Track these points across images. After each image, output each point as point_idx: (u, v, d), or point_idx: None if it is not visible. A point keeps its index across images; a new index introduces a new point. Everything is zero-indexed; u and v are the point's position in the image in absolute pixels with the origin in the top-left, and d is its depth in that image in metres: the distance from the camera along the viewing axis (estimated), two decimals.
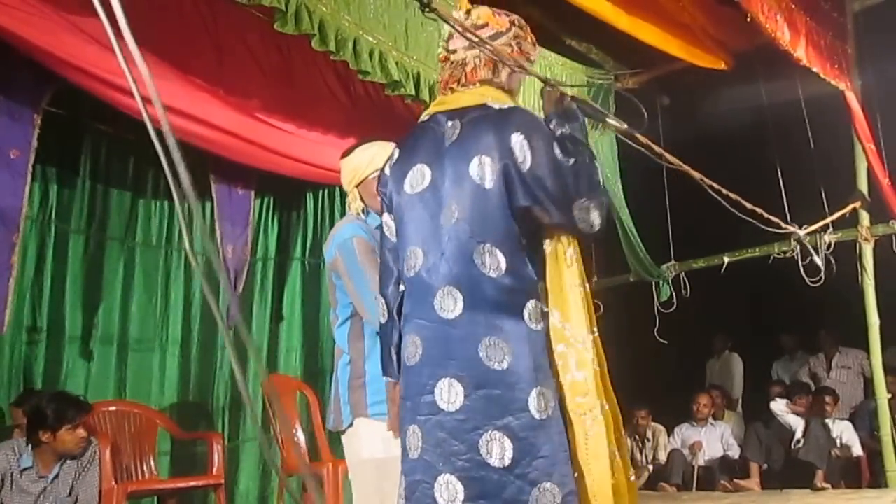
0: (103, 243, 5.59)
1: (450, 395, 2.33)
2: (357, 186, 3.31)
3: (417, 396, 2.41)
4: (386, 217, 2.66)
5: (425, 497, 2.34)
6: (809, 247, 6.91)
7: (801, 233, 6.83)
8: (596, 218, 2.37)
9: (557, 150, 2.37)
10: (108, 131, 5.24)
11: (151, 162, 5.84)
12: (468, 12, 2.68)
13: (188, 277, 6.04)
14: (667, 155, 4.17)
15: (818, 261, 6.89)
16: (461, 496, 2.27)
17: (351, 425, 3.22)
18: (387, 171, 2.66)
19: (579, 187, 2.34)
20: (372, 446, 3.15)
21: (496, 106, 2.50)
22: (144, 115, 1.26)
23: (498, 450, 2.25)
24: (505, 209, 2.38)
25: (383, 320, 2.67)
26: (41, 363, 5.19)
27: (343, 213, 6.78)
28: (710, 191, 4.94)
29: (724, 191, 5.07)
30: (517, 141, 2.37)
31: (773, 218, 6.13)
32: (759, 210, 5.79)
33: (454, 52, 2.63)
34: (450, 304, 2.38)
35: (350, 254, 3.15)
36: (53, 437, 4.50)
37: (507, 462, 2.25)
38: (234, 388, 6.22)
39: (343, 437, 3.30)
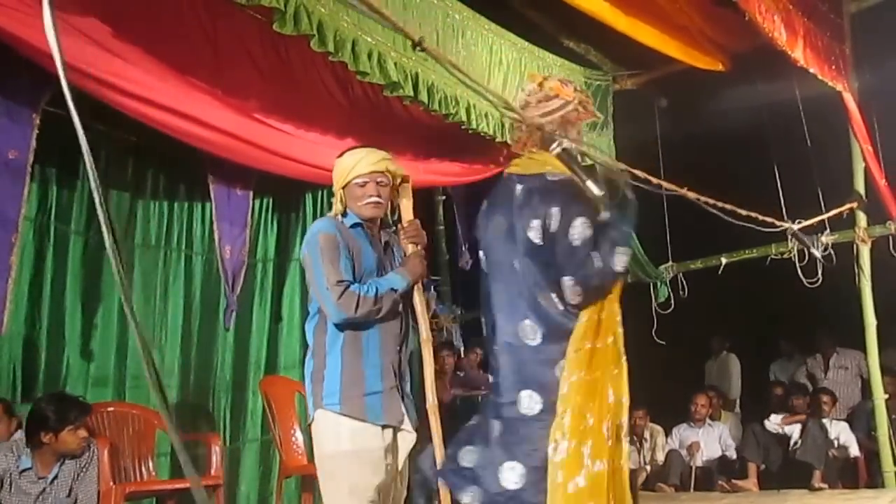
0: (102, 244, 5.55)
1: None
2: (343, 188, 3.39)
3: None
4: (480, 253, 3.32)
5: None
6: (805, 240, 6.94)
7: (795, 227, 6.84)
8: (572, 296, 2.96)
9: (573, 230, 2.91)
10: (108, 132, 5.22)
11: (151, 163, 5.84)
12: (540, 85, 3.25)
13: (188, 278, 6.03)
14: (664, 184, 4.21)
15: (816, 252, 6.91)
16: None
17: (314, 419, 3.29)
18: (479, 218, 3.35)
19: (567, 266, 2.94)
20: (329, 440, 3.22)
21: (551, 178, 3.06)
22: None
23: None
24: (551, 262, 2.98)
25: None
26: (40, 364, 5.17)
27: None
28: (706, 206, 4.99)
29: (720, 203, 5.09)
30: (554, 212, 2.95)
31: (767, 219, 6.12)
32: (754, 215, 5.79)
33: (532, 118, 3.22)
34: (530, 333, 3.00)
35: (313, 248, 3.27)
36: (55, 438, 4.48)
37: None
38: (235, 390, 6.24)
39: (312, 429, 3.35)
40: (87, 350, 5.46)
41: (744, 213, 5.56)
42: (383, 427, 3.23)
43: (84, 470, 4.66)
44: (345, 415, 3.20)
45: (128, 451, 5.33)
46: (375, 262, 3.37)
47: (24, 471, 4.49)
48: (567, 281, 2.93)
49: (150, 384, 1.34)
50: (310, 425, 3.33)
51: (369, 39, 4.62)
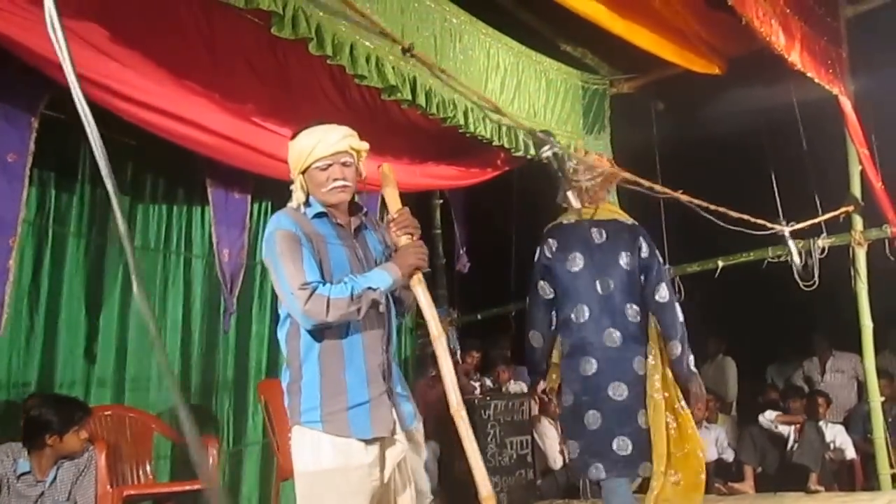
0: (102, 247, 5.60)
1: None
2: (302, 174, 3.13)
3: None
4: (542, 283, 4.70)
5: None
6: (793, 246, 6.95)
7: (787, 230, 6.88)
8: (664, 297, 4.67)
9: (657, 252, 4.75)
10: (107, 135, 5.23)
11: (150, 166, 5.87)
12: (586, 153, 4.15)
13: (187, 282, 6.07)
14: (656, 186, 4.31)
15: (796, 259, 6.93)
16: None
17: (291, 435, 3.02)
18: (548, 254, 4.60)
19: (664, 275, 4.74)
20: (304, 458, 2.95)
21: (625, 221, 4.72)
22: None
23: None
24: (638, 281, 4.63)
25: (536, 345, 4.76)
26: (38, 367, 5.19)
27: None
28: (698, 209, 5.18)
29: (712, 206, 5.17)
30: (644, 244, 4.65)
31: (758, 221, 6.13)
32: (745, 217, 5.81)
33: (580, 181, 4.42)
34: (616, 338, 4.50)
35: (271, 248, 2.98)
36: (60, 440, 4.53)
37: None
38: (237, 393, 6.27)
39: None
40: (87, 353, 5.49)
41: (735, 215, 5.58)
42: (370, 441, 2.94)
43: (83, 473, 4.68)
44: (327, 432, 2.92)
45: (125, 454, 5.35)
46: (346, 255, 3.06)
47: (22, 475, 4.51)
48: (665, 286, 4.64)
49: (171, 387, 1.35)
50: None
51: (367, 43, 4.62)
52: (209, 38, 4.69)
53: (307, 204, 3.13)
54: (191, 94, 4.72)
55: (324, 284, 2.89)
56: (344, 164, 3.07)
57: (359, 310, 2.89)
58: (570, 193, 3.09)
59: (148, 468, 5.44)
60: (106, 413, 5.35)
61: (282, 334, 3.05)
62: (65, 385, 5.28)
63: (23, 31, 3.89)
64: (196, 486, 5.28)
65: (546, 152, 3.07)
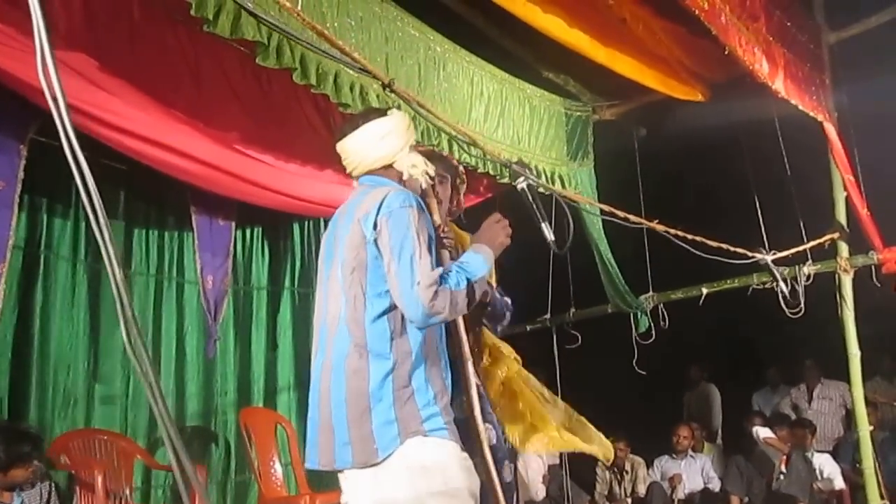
0: (97, 272, 5.75)
1: None
2: (403, 151, 2.98)
3: None
4: None
5: None
6: (777, 273, 7.09)
7: (769, 258, 7.01)
8: None
9: None
10: (98, 161, 5.39)
11: (142, 193, 6.04)
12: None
13: (180, 307, 6.23)
14: (632, 217, 4.33)
15: (782, 286, 7.06)
16: None
17: (394, 451, 2.61)
18: None
19: None
20: (450, 473, 2.64)
21: None
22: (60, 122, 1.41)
23: None
24: None
25: None
26: (30, 391, 5.31)
27: None
28: (676, 240, 5.08)
29: (689, 236, 5.19)
30: None
31: (738, 250, 6.22)
32: (725, 246, 5.88)
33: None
34: None
35: (402, 225, 2.68)
36: (4, 475, 4.58)
37: None
38: (237, 419, 6.37)
39: (374, 472, 2.65)
40: (84, 377, 5.63)
41: (714, 244, 5.64)
42: None
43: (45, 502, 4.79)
44: (453, 441, 2.68)
45: (107, 481, 5.42)
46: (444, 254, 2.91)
47: None
48: None
49: (159, 419, 1.39)
50: (373, 465, 2.63)
51: (351, 72, 4.76)
52: (194, 67, 4.82)
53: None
54: (176, 122, 4.87)
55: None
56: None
57: (470, 303, 2.71)
58: (544, 226, 3.10)
59: (127, 493, 5.53)
60: (88, 438, 5.44)
61: (376, 331, 2.70)
62: (57, 410, 5.41)
63: (11, 62, 4.05)
64: None
65: (521, 184, 3.17)
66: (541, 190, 3.17)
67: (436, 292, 2.58)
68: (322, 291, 2.97)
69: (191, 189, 5.76)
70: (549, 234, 3.07)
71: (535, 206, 3.10)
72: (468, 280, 2.69)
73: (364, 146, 2.97)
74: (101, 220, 1.39)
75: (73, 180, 4.30)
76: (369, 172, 3.01)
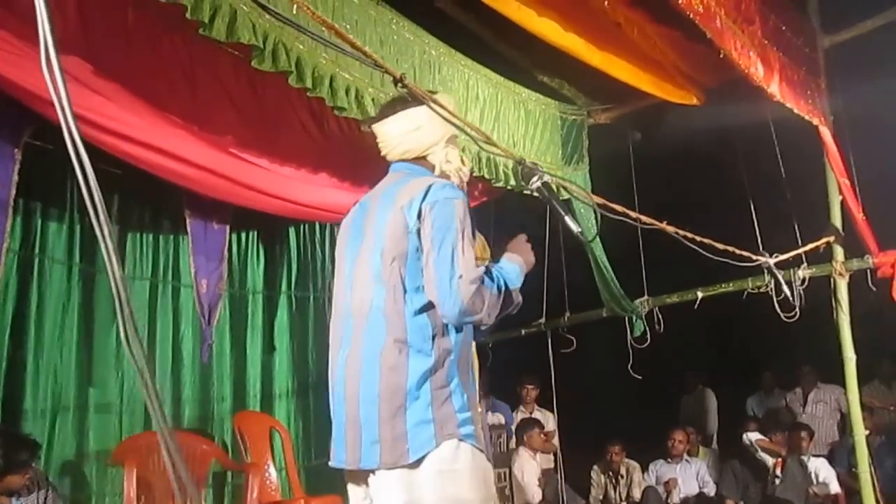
0: (92, 276, 5.78)
1: None
2: (446, 140, 2.92)
3: None
4: None
5: None
6: (780, 276, 7.11)
7: (772, 262, 6.99)
8: None
9: None
10: (95, 165, 5.38)
11: (137, 196, 6.06)
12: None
13: (176, 311, 6.27)
14: (643, 217, 4.32)
15: (786, 290, 7.08)
16: None
17: (428, 453, 2.52)
18: None
19: None
20: (474, 482, 2.56)
21: None
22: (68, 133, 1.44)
23: None
24: None
25: None
26: (24, 395, 5.33)
27: (331, 246, 7.01)
28: (684, 241, 5.09)
29: (698, 238, 5.21)
30: None
31: (743, 253, 6.26)
32: (731, 249, 5.91)
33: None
34: None
35: (449, 217, 2.59)
36: (0, 482, 4.60)
37: None
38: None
39: (404, 474, 2.54)
40: (77, 381, 5.65)
41: (721, 247, 5.68)
42: None
43: None
44: (479, 449, 2.59)
45: None
46: None
47: None
48: None
49: (155, 416, 1.39)
50: (403, 466, 2.52)
51: (347, 75, 4.80)
52: (189, 72, 4.84)
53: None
54: (171, 126, 4.89)
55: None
56: None
57: (502, 310, 2.63)
58: (567, 218, 3.04)
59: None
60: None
61: (417, 326, 2.60)
62: (52, 415, 5.42)
63: (7, 66, 4.07)
64: None
65: (535, 183, 3.13)
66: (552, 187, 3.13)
67: (477, 289, 2.50)
68: (345, 278, 2.84)
69: (185, 193, 5.79)
70: (575, 226, 3.02)
71: (555, 202, 3.06)
72: (506, 286, 2.62)
73: (397, 134, 2.90)
74: (101, 217, 1.41)
75: (68, 184, 4.38)
76: (402, 160, 2.94)
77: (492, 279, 2.60)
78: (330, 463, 2.78)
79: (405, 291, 2.61)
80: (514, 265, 2.75)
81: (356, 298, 2.72)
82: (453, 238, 2.55)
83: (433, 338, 2.58)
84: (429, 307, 2.60)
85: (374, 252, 2.68)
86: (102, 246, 1.41)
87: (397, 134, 2.88)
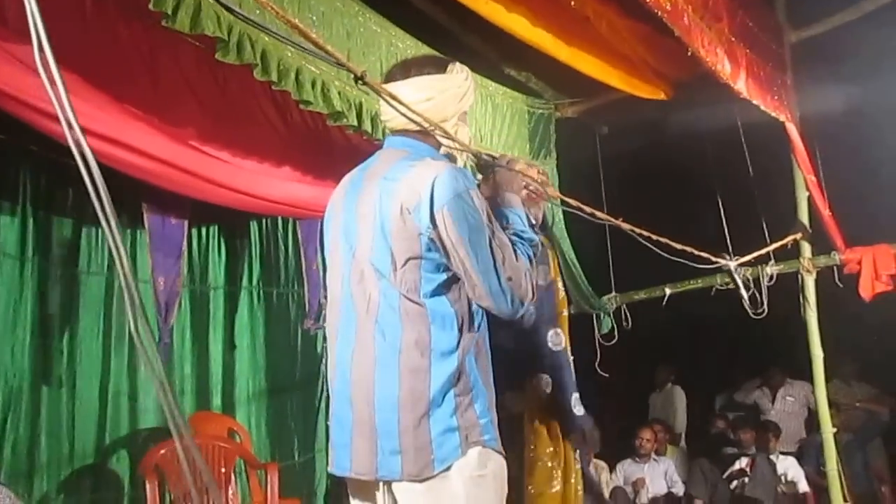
0: (45, 270, 5.70)
1: None
2: (457, 116, 2.75)
3: None
4: None
5: None
6: (739, 280, 7.17)
7: (733, 265, 7.09)
8: None
9: None
10: (48, 156, 5.33)
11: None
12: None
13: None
14: (597, 213, 4.34)
15: (743, 293, 7.15)
16: None
17: (454, 462, 2.44)
18: None
19: None
20: (497, 487, 2.52)
21: None
22: (70, 139, 1.46)
23: None
24: None
25: None
26: None
27: (293, 241, 7.01)
28: (640, 239, 5.11)
29: (654, 236, 5.23)
30: None
31: (702, 254, 6.29)
32: (688, 249, 5.91)
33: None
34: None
35: (469, 211, 2.45)
36: None
37: None
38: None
39: (428, 486, 2.44)
40: (24, 378, 5.55)
41: (678, 247, 5.67)
42: None
43: None
44: (500, 452, 2.55)
45: None
46: None
47: None
48: None
49: (166, 411, 1.40)
50: (429, 478, 2.42)
51: (313, 69, 4.78)
52: (149, 62, 4.80)
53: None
54: (129, 117, 4.80)
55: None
56: None
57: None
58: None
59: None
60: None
61: (443, 329, 2.49)
62: (1, 413, 5.34)
63: None
64: None
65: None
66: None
67: (525, 279, 2.47)
68: (341, 267, 2.69)
69: (143, 186, 5.73)
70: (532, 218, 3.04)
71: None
72: (529, 256, 2.56)
73: (406, 102, 2.66)
74: (108, 210, 1.43)
75: (21, 176, 4.28)
76: (404, 132, 2.76)
77: (521, 252, 2.53)
78: (329, 469, 2.68)
79: (422, 293, 2.49)
80: (515, 211, 2.69)
81: (360, 294, 2.58)
82: (484, 238, 2.44)
83: (458, 340, 2.48)
84: (449, 308, 2.50)
85: (380, 250, 2.54)
86: (110, 240, 1.42)
87: (406, 103, 2.65)
